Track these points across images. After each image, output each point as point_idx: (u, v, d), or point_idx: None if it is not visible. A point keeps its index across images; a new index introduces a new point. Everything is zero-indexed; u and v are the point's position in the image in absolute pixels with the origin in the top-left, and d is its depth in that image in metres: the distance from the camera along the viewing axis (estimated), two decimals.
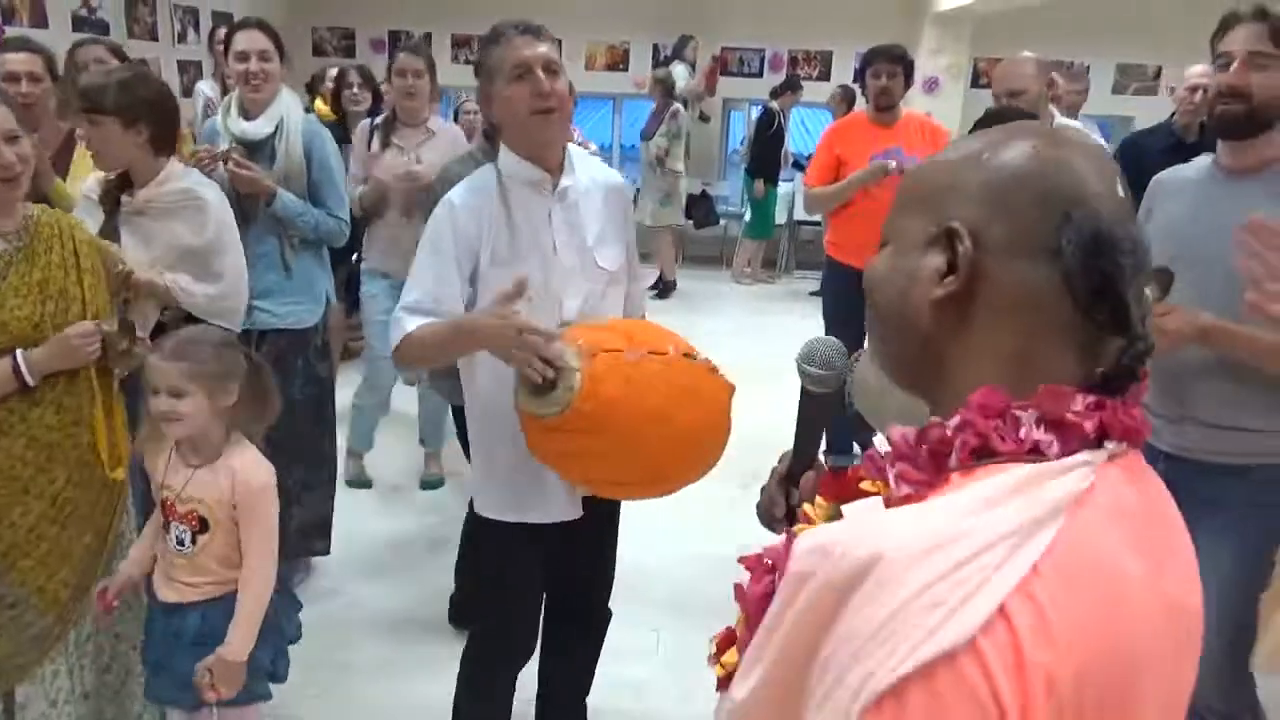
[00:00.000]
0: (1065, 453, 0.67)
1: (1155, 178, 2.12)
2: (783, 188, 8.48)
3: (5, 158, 1.78)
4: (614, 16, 9.03)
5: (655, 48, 9.14)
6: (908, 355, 0.77)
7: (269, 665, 1.91)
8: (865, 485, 0.75)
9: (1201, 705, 1.95)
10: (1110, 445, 0.69)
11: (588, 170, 2.04)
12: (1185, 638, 0.71)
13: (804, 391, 1.10)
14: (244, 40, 2.87)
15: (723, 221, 8.82)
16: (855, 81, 4.09)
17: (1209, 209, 1.90)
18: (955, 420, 0.70)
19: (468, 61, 8.97)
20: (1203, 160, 2.02)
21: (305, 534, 3.12)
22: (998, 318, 0.72)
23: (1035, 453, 0.67)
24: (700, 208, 8.69)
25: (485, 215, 1.91)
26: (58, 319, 1.86)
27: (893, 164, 3.56)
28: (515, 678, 2.19)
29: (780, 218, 8.61)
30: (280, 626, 1.96)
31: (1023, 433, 0.68)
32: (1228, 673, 1.95)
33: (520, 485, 1.99)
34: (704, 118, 8.69)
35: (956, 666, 0.57)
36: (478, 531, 2.14)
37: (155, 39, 7.12)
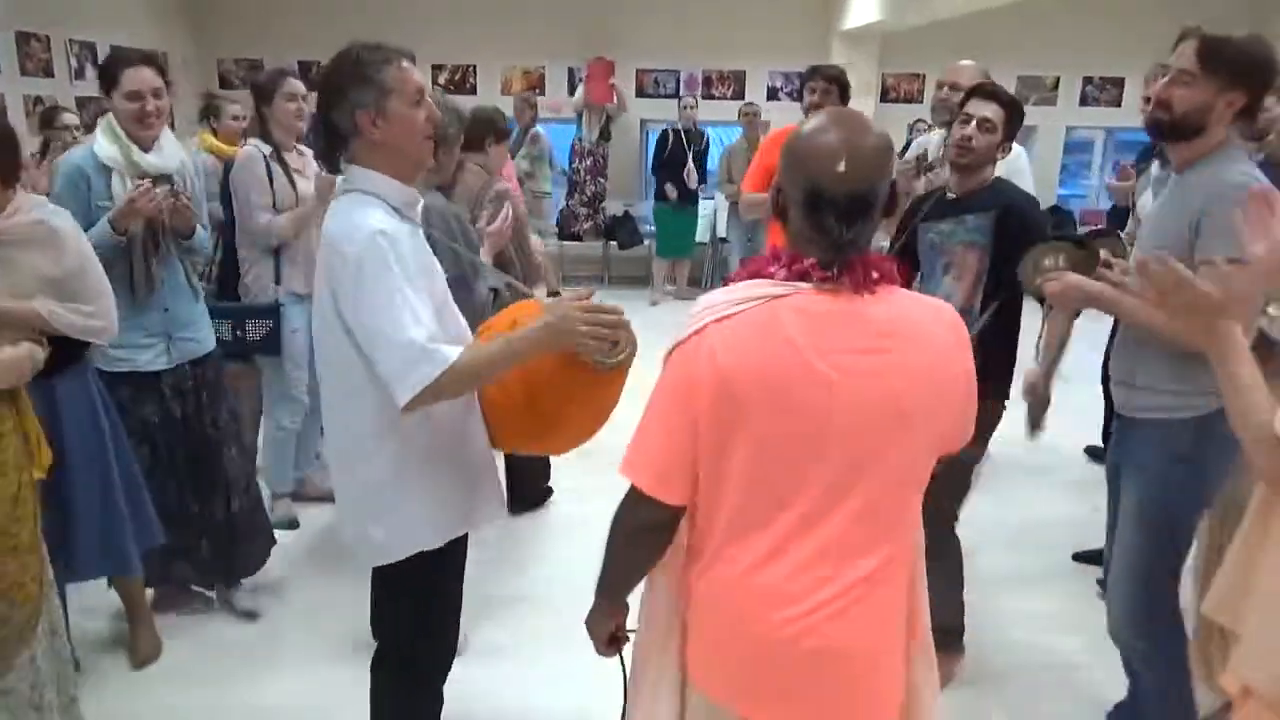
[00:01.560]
0: (788, 279, 1.38)
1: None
2: (705, 205, 8.55)
3: None
4: (530, 41, 9.05)
5: (570, 71, 9.17)
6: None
7: None
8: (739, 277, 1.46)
9: (1115, 632, 2.40)
10: (811, 284, 1.37)
11: None
12: (887, 412, 1.36)
13: None
14: (136, 80, 2.77)
15: (647, 242, 8.86)
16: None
17: (1161, 199, 2.23)
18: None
19: None
20: None
21: (251, 555, 3.26)
22: (793, 227, 1.43)
23: (769, 276, 1.41)
24: (624, 229, 8.72)
25: (419, 247, 1.86)
26: None
27: None
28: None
29: (704, 235, 8.69)
30: None
31: (773, 269, 1.40)
32: (1141, 612, 2.29)
33: (456, 499, 1.94)
34: (605, 135, 8.65)
35: (687, 342, 1.39)
36: (398, 579, 1.95)
37: (51, 75, 6.88)
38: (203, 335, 3.05)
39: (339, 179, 1.92)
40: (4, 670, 2.09)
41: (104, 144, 2.78)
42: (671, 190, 8.07)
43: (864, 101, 8.84)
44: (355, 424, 1.85)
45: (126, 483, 2.72)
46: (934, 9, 6.76)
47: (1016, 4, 6.51)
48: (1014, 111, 2.63)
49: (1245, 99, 2.01)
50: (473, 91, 9.06)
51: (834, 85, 3.73)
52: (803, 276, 1.37)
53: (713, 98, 9.27)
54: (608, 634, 1.67)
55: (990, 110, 2.60)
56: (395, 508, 1.88)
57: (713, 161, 8.45)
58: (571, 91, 8.91)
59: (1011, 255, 2.51)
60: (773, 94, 9.20)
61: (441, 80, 9.15)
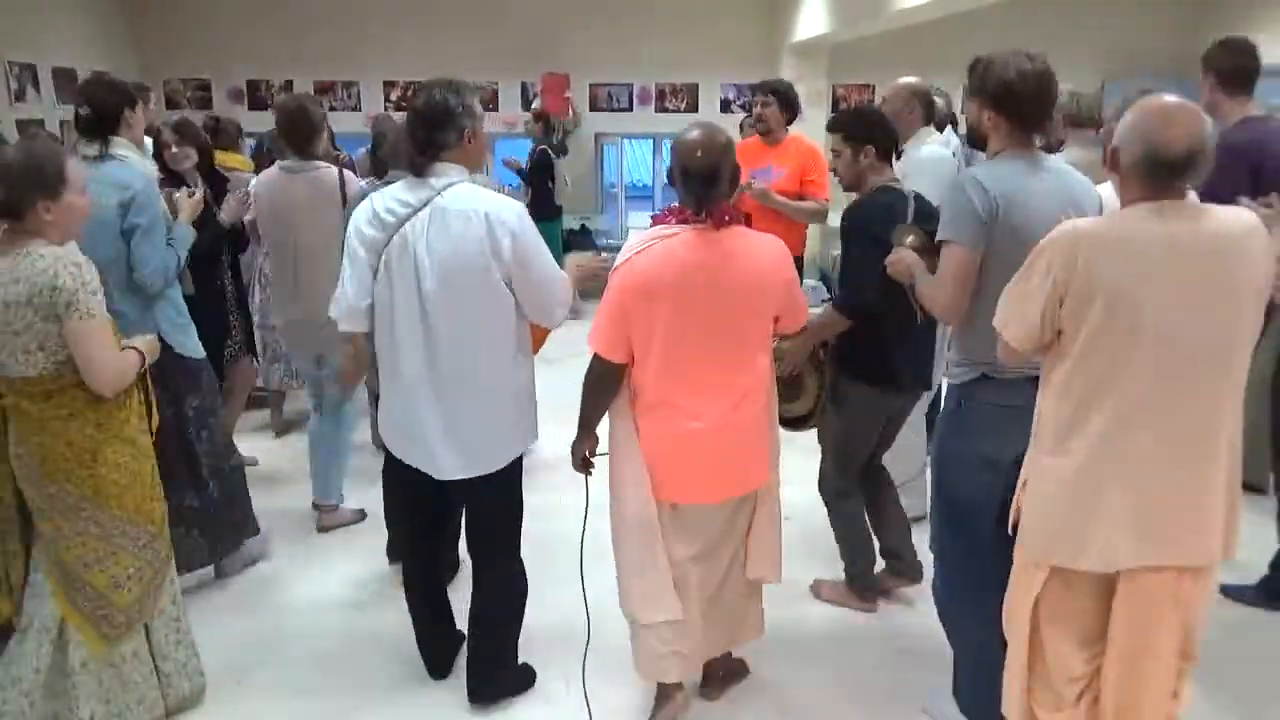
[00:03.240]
0: (678, 224, 2.34)
1: None
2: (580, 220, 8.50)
3: None
4: (482, 57, 9.03)
5: (524, 86, 9.17)
6: None
7: None
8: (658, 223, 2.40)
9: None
10: (690, 226, 2.31)
11: None
12: (732, 298, 2.30)
13: None
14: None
15: (604, 255, 8.85)
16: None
17: None
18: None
19: (331, 108, 8.88)
20: None
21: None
22: (679, 192, 2.35)
23: (667, 223, 2.37)
24: (581, 241, 8.72)
25: None
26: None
27: (744, 184, 4.03)
28: None
29: None
30: None
31: (670, 219, 2.36)
32: (934, 550, 2.61)
33: None
34: (562, 149, 8.64)
35: (621, 266, 2.34)
36: (515, 473, 2.68)
37: None
38: None
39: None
40: (160, 591, 2.57)
41: (143, 161, 3.11)
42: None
43: (815, 112, 8.91)
44: (504, 354, 2.51)
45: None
46: (881, 21, 6.87)
47: (963, 15, 6.64)
48: (847, 127, 2.97)
49: (998, 113, 2.32)
50: None
51: (772, 96, 4.36)
52: (685, 222, 2.33)
53: (666, 110, 9.34)
54: (582, 457, 2.55)
55: (833, 141, 2.99)
56: (530, 409, 2.66)
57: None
58: (525, 106, 8.91)
59: (842, 262, 2.96)
60: (725, 106, 9.29)
61: (393, 97, 9.11)
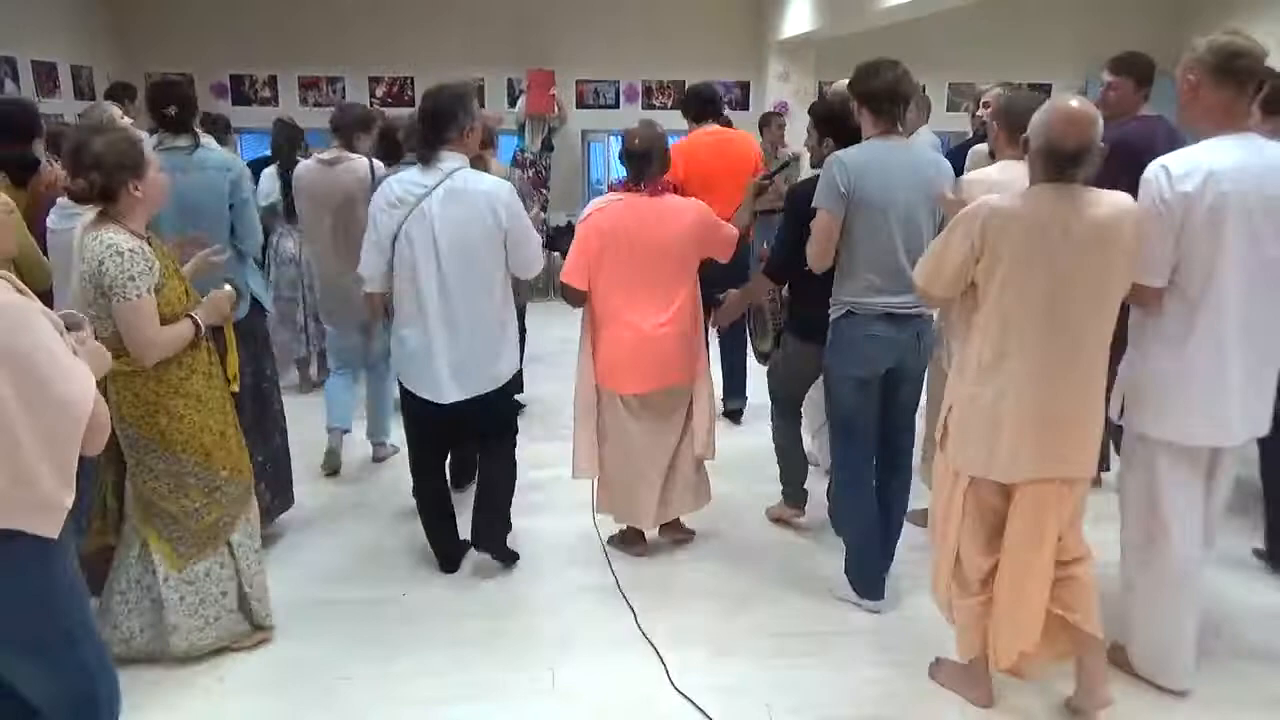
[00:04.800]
0: (623, 192, 3.30)
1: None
2: None
3: None
4: (468, 53, 9.00)
5: (510, 82, 9.15)
6: None
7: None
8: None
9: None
10: (629, 193, 3.29)
11: None
12: (661, 244, 3.26)
13: None
14: None
15: None
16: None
17: None
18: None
19: (316, 104, 8.85)
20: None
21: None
22: (626, 169, 3.35)
23: (617, 191, 3.35)
24: (566, 239, 8.69)
25: None
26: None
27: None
28: None
29: None
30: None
31: (618, 188, 3.34)
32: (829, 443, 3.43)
33: None
34: (548, 145, 8.62)
35: (584, 221, 3.33)
36: (513, 383, 3.48)
37: None
38: None
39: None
40: (232, 530, 2.87)
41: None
42: None
43: (802, 110, 8.95)
44: (498, 297, 3.22)
45: None
46: (867, 19, 6.89)
47: (947, 14, 6.67)
48: (814, 120, 3.45)
49: (862, 106, 3.01)
50: (411, 104, 8.97)
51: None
52: (629, 190, 3.25)
53: (653, 107, 9.33)
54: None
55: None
56: (514, 341, 3.37)
57: None
58: (512, 103, 8.89)
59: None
60: None
61: (379, 93, 9.06)
